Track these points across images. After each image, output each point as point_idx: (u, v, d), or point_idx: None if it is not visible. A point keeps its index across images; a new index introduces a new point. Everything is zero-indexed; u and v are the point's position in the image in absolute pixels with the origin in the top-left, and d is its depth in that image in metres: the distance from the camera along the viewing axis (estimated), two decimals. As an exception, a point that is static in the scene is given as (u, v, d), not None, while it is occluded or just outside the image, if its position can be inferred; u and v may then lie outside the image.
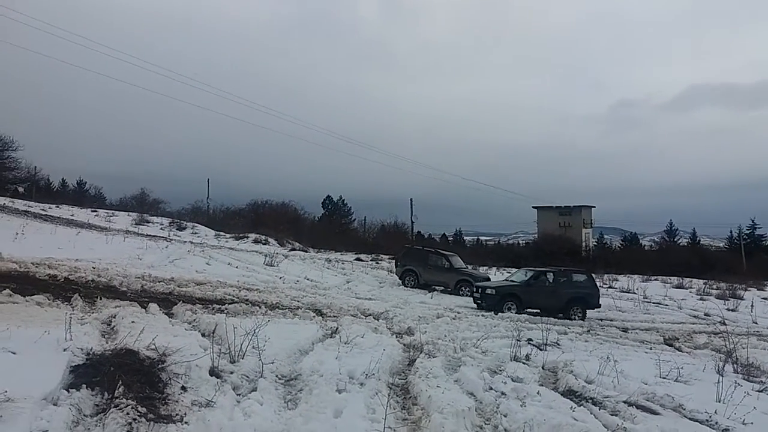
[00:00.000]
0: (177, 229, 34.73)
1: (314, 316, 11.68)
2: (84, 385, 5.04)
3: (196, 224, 38.68)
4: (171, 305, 10.39)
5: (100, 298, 10.08)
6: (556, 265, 25.01)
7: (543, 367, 8.86)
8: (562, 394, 7.37)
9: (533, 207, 75.66)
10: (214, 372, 6.21)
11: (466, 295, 21.15)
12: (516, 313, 17.02)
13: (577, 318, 17.63)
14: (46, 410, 4.30)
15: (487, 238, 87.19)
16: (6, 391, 3.90)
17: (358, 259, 32.38)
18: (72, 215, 32.37)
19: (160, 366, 5.82)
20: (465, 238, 77.38)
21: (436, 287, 22.42)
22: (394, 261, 27.02)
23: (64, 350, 5.69)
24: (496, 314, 16.21)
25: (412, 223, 55.60)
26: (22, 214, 27.31)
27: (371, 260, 33.06)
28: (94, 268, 13.88)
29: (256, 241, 34.11)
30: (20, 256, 13.98)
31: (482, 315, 15.51)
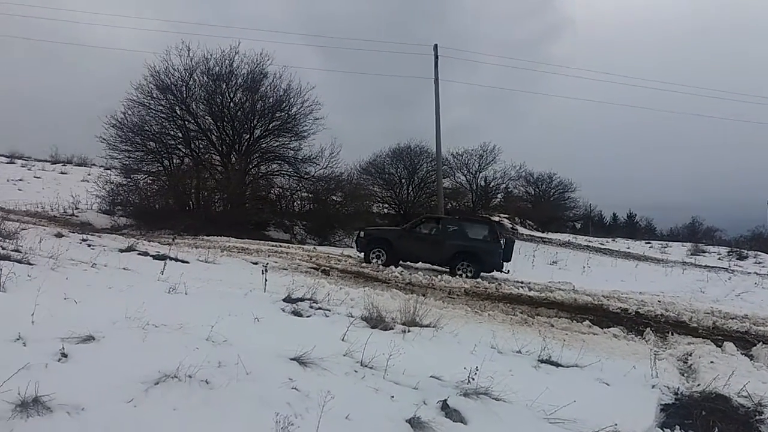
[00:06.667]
0: (737, 259, 31.82)
1: None
2: (677, 426, 5.06)
3: (759, 252, 34.57)
4: (748, 346, 9.44)
5: (672, 334, 10.05)
6: None
7: None
8: None
9: None
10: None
11: None
12: (384, 264, 15.26)
13: (467, 276, 15.05)
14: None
15: None
16: (616, 424, 4.27)
17: None
18: (628, 248, 33.94)
19: (757, 417, 5.30)
20: None
21: None
22: None
23: (652, 387, 5.87)
24: (368, 263, 15.34)
25: None
26: (584, 248, 30.38)
27: None
28: (659, 301, 13.99)
29: None
30: (589, 288, 15.40)
31: None
